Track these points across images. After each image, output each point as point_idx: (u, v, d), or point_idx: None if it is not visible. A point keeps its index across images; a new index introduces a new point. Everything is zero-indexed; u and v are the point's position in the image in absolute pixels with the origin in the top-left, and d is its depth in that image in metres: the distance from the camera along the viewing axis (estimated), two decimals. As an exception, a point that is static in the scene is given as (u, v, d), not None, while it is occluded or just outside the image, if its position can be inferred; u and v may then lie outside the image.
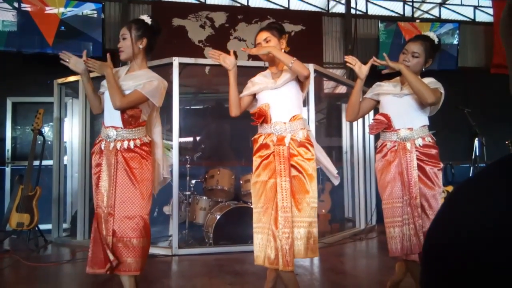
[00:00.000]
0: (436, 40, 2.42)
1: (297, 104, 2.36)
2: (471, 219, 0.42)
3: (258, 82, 2.40)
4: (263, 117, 2.30)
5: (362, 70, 2.38)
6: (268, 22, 2.51)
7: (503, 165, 0.45)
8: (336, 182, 2.57)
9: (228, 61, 2.35)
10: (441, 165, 2.36)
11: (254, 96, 2.46)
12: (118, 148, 2.30)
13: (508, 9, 0.52)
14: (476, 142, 5.15)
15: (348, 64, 2.42)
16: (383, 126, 2.40)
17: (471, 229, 0.41)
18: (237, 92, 2.39)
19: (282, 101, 2.32)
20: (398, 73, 2.40)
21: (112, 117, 2.34)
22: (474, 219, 0.42)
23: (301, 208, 2.22)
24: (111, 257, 2.20)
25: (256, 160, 2.33)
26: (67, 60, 2.37)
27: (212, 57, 2.39)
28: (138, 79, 2.34)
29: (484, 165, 5.26)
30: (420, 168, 2.31)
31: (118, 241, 2.25)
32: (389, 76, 2.49)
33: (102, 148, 2.34)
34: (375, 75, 2.39)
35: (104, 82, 2.44)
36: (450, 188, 4.83)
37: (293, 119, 2.30)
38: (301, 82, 2.36)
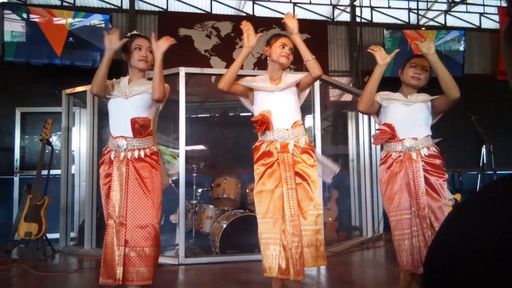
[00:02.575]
0: None
1: (297, 111, 2.37)
2: (475, 235, 0.41)
3: (258, 80, 2.40)
4: (265, 125, 2.30)
5: (383, 56, 2.35)
6: (273, 31, 2.55)
7: (509, 181, 0.44)
8: (330, 178, 2.53)
9: (250, 38, 2.34)
10: (446, 176, 2.35)
11: (249, 90, 2.44)
12: (129, 158, 2.31)
13: (507, 28, 0.51)
14: (483, 149, 5.12)
15: (369, 50, 2.41)
16: (388, 136, 2.40)
17: (475, 246, 0.40)
18: (238, 70, 2.36)
19: (283, 107, 2.33)
20: (396, 87, 2.44)
21: (121, 127, 2.36)
22: (478, 235, 0.41)
23: (306, 216, 2.21)
24: (118, 275, 2.21)
25: (259, 168, 2.32)
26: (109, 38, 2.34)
27: (243, 28, 2.37)
28: (146, 84, 2.41)
29: (491, 172, 5.23)
30: (426, 180, 2.30)
31: (131, 250, 2.25)
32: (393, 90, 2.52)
33: (112, 158, 2.34)
34: (381, 80, 2.42)
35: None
36: (458, 196, 4.79)
37: (295, 125, 2.31)
38: (300, 89, 2.39)
